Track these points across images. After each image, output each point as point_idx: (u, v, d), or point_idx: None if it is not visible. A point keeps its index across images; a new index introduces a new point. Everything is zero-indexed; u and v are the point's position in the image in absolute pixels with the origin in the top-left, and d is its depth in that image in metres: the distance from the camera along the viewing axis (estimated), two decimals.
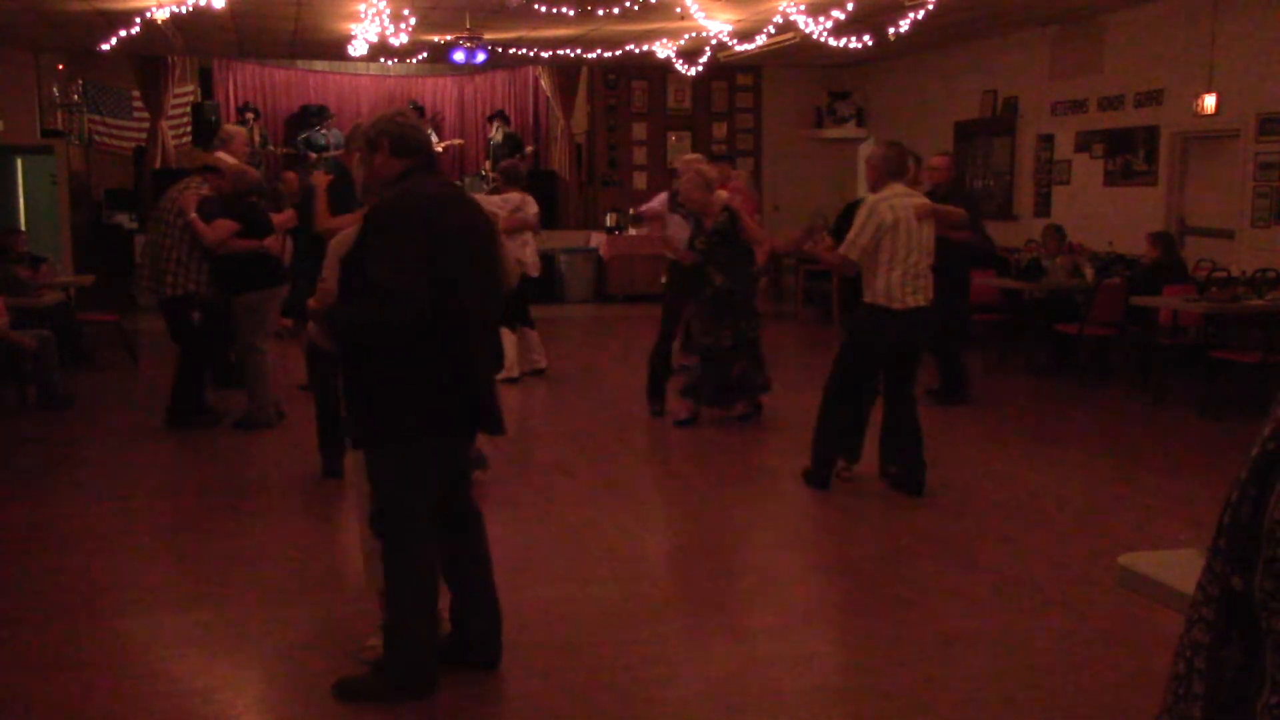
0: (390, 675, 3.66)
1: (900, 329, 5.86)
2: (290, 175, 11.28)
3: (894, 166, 5.91)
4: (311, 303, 3.63)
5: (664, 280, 8.33)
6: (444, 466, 3.66)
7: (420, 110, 16.44)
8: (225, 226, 7.31)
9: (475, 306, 3.55)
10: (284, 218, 8.47)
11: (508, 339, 8.09)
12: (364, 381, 3.54)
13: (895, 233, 5.73)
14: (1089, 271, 9.97)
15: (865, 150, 13.48)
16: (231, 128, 9.35)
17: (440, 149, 16.21)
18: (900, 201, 5.81)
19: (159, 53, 14.40)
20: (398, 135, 3.54)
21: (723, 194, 7.75)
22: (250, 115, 15.24)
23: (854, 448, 6.31)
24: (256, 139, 14.79)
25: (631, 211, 8.27)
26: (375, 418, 3.52)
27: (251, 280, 7.42)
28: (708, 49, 13.01)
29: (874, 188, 5.95)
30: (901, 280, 5.77)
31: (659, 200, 8.51)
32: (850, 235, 5.80)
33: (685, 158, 8.58)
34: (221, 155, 7.80)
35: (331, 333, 3.60)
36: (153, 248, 7.65)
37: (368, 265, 3.43)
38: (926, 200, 6.03)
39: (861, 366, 6.04)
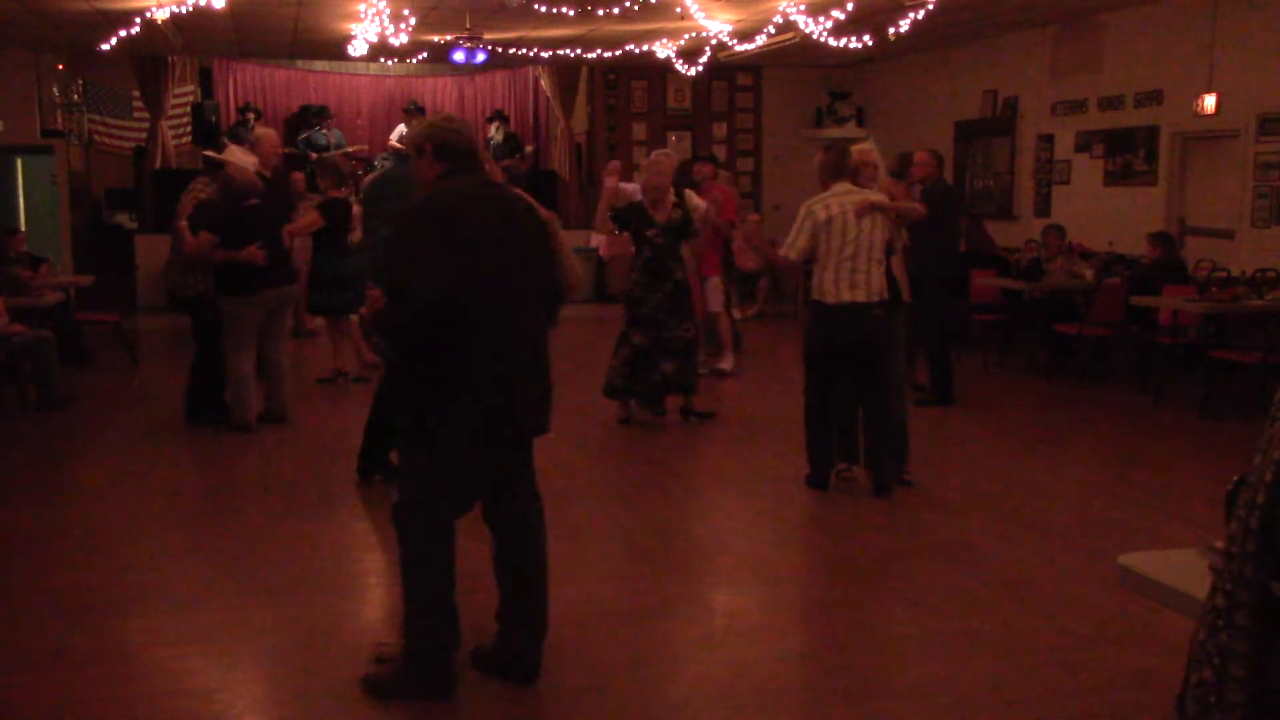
0: (407, 674, 3.68)
1: (836, 323, 5.95)
2: (297, 176, 11.27)
3: (832, 169, 6.05)
4: (362, 310, 3.76)
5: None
6: (473, 472, 3.60)
7: (420, 110, 16.44)
8: (204, 239, 7.30)
9: (500, 308, 3.49)
10: (303, 224, 8.42)
11: None
12: (402, 381, 3.61)
13: (829, 229, 5.88)
14: (1088, 272, 9.97)
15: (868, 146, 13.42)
16: (262, 130, 9.36)
17: None
18: (839, 200, 5.93)
19: (159, 53, 14.40)
20: (440, 140, 3.61)
21: (693, 195, 7.91)
22: (251, 116, 15.24)
23: (851, 448, 6.30)
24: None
25: (608, 169, 8.16)
26: (409, 417, 3.58)
27: (233, 286, 7.35)
28: (708, 49, 13.01)
29: (823, 187, 6.04)
30: (835, 276, 5.89)
31: (636, 187, 8.54)
32: (789, 237, 5.99)
33: (654, 153, 8.76)
34: (230, 153, 7.79)
35: (375, 337, 3.75)
36: (171, 249, 7.77)
37: (390, 266, 3.57)
38: (871, 196, 6.04)
39: (814, 363, 6.15)
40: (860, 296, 5.90)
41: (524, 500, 3.83)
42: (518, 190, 3.91)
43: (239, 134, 14.80)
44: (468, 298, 3.41)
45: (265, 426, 7.67)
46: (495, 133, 16.05)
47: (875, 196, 6.09)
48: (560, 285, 3.83)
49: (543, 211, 3.82)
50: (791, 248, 5.99)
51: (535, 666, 3.80)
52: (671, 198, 7.60)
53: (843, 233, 5.88)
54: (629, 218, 7.56)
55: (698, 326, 7.84)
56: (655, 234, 7.49)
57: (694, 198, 7.87)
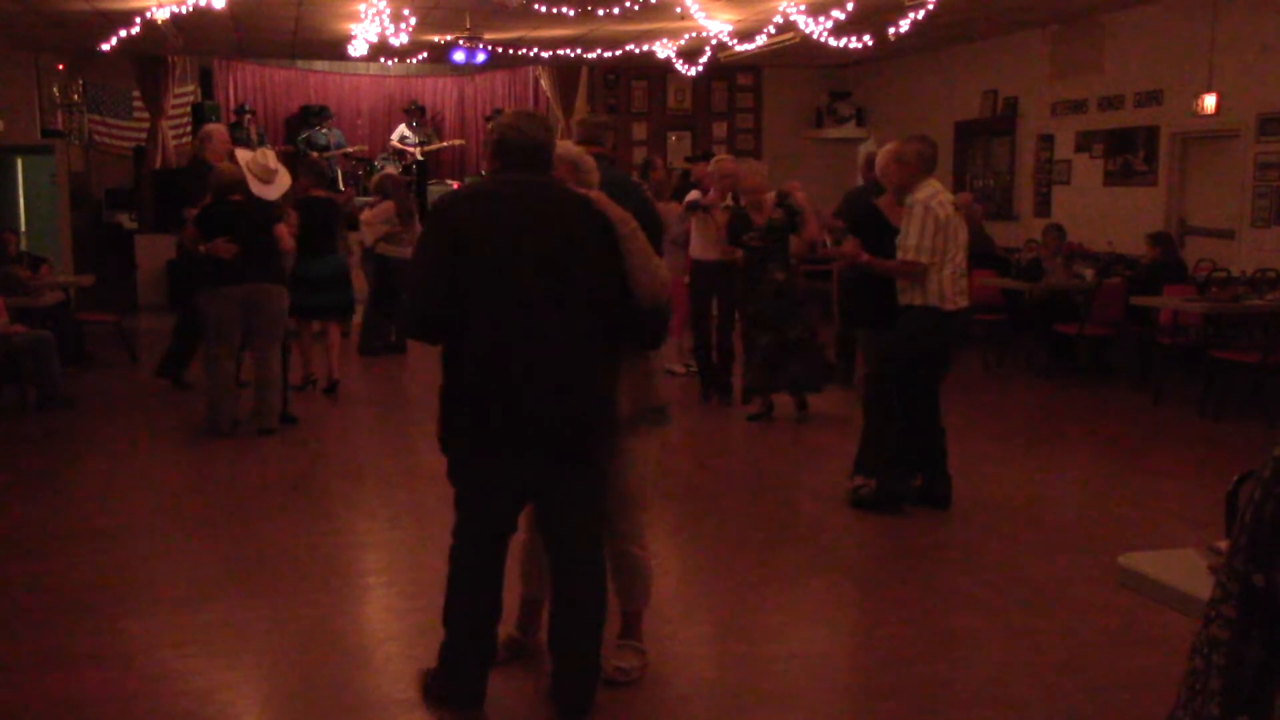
0: (438, 680, 3.64)
1: (951, 330, 5.65)
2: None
3: (929, 162, 5.62)
4: None
5: (689, 280, 8.56)
6: (485, 483, 3.44)
7: (421, 110, 16.45)
8: (186, 232, 7.42)
9: (499, 312, 3.28)
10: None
11: None
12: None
13: (948, 230, 5.47)
14: (1088, 272, 9.97)
15: (867, 148, 13.34)
16: (211, 126, 9.42)
17: (438, 149, 16.22)
18: (944, 197, 5.58)
19: (159, 53, 14.39)
20: (498, 139, 3.47)
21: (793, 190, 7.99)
22: (248, 116, 15.27)
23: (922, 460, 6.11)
24: (254, 137, 14.77)
25: (694, 203, 8.36)
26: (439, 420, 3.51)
27: (202, 279, 7.37)
28: (708, 49, 13.00)
29: (905, 185, 5.59)
30: (952, 279, 5.55)
31: (697, 195, 8.62)
32: (913, 239, 5.44)
33: (723, 157, 8.89)
34: (238, 155, 7.81)
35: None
36: None
37: None
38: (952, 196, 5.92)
39: (907, 375, 5.75)
40: (964, 301, 5.65)
41: (572, 530, 3.53)
42: (582, 191, 3.54)
43: (237, 135, 14.80)
44: (457, 303, 3.28)
45: (259, 429, 7.56)
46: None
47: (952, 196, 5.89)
48: (611, 293, 3.42)
49: (615, 214, 3.43)
50: (923, 250, 5.42)
51: (577, 707, 3.59)
52: (772, 198, 7.65)
53: (956, 235, 5.53)
54: (733, 225, 7.68)
55: (811, 326, 7.79)
56: (751, 237, 7.59)
57: (797, 193, 7.91)
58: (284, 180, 7.72)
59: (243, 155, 7.72)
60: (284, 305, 7.57)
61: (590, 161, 3.81)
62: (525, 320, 3.29)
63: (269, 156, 7.66)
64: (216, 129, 8.87)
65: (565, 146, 3.77)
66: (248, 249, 7.28)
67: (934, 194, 5.52)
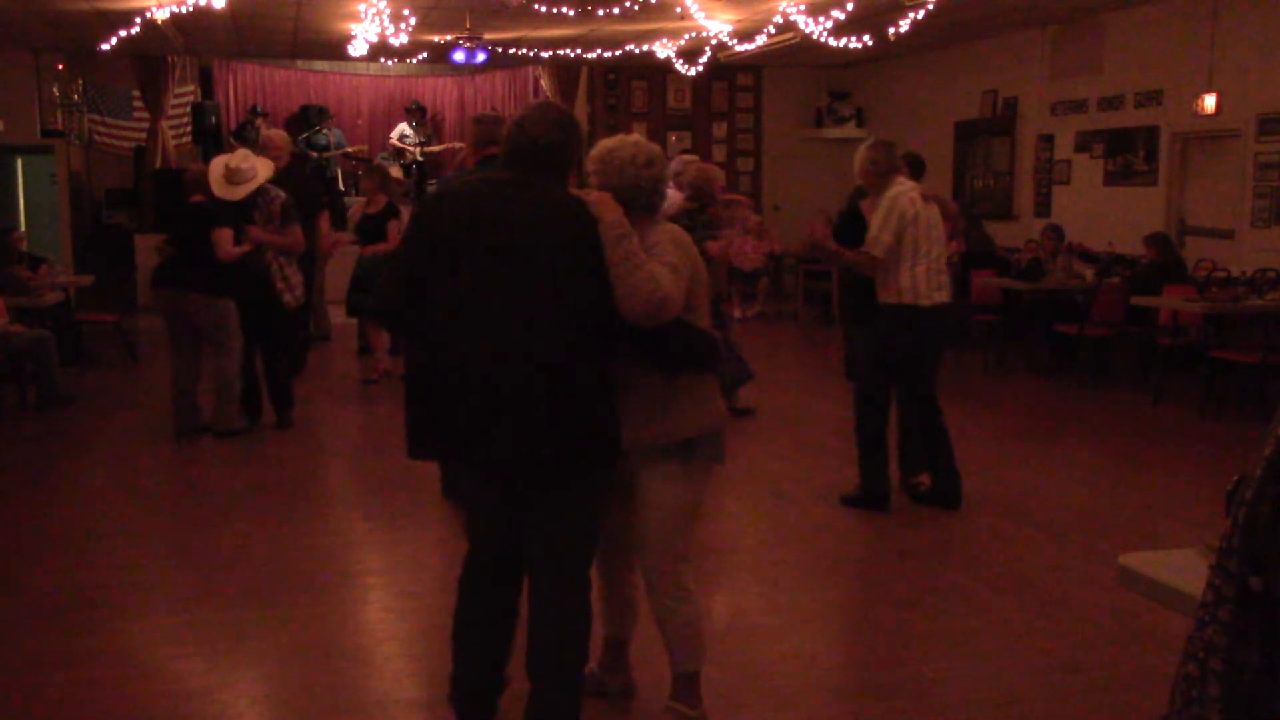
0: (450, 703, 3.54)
1: (928, 326, 5.65)
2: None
3: (886, 163, 5.66)
4: None
5: None
6: (465, 498, 3.38)
7: (421, 110, 16.44)
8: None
9: (458, 315, 3.06)
10: (286, 242, 8.05)
11: None
12: None
13: (916, 226, 5.49)
14: (1088, 272, 9.97)
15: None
16: (270, 132, 9.43)
17: (438, 150, 16.21)
18: (914, 195, 5.59)
19: (159, 53, 14.40)
20: (506, 135, 3.29)
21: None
22: (260, 120, 15.28)
23: (911, 457, 6.12)
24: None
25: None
26: None
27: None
28: (708, 49, 13.01)
29: (876, 190, 5.66)
30: (926, 275, 5.56)
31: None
32: (873, 232, 5.51)
33: (686, 157, 8.81)
34: (214, 165, 7.77)
35: None
36: None
37: None
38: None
39: (886, 372, 5.77)
40: (944, 297, 5.66)
41: (549, 556, 3.22)
42: (580, 192, 3.19)
43: (245, 134, 14.80)
44: (428, 306, 3.12)
45: (214, 432, 7.48)
46: None
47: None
48: (591, 300, 3.06)
49: (606, 216, 3.06)
50: (878, 243, 5.47)
51: None
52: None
53: (929, 231, 5.56)
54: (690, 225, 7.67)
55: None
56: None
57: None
58: (256, 181, 7.28)
59: (221, 159, 7.49)
60: (210, 314, 7.19)
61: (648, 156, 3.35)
62: (483, 323, 3.03)
63: (238, 156, 7.37)
64: (277, 135, 8.87)
65: (609, 148, 3.32)
66: (181, 253, 7.19)
67: (903, 190, 5.58)
